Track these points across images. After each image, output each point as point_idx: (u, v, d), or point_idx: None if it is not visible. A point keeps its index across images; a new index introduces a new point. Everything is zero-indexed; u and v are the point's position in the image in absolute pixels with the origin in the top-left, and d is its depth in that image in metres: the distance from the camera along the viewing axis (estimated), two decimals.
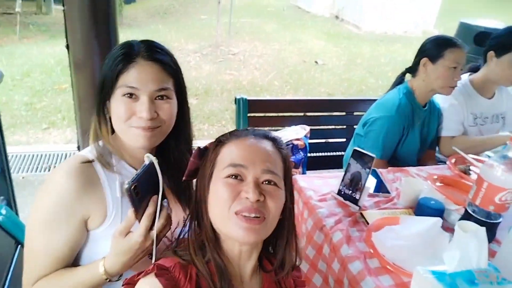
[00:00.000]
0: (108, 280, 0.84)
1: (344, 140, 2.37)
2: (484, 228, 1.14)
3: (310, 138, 2.26)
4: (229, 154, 0.78)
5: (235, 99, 2.21)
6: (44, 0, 10.27)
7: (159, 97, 0.91)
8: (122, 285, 0.74)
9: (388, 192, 1.49)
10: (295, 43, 7.49)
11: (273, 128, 2.26)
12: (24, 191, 2.55)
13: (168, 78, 0.92)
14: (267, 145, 0.80)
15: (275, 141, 0.83)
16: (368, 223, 1.29)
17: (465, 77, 2.00)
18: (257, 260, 0.82)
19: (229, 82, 5.30)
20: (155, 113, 0.90)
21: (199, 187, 0.81)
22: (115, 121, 0.91)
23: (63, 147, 3.31)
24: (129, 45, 0.91)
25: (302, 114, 2.32)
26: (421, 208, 1.34)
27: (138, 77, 0.88)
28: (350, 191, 1.39)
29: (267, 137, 0.82)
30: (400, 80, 1.92)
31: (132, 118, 0.89)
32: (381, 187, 1.52)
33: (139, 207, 0.77)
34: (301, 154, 2.17)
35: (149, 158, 0.79)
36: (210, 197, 0.78)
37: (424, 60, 1.76)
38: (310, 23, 9.48)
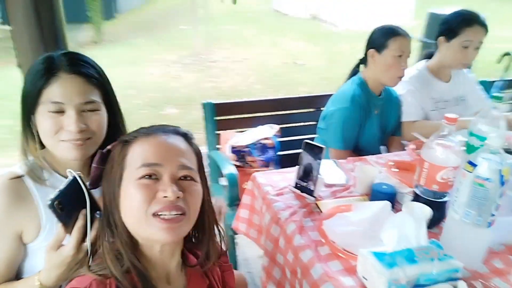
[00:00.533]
0: None
1: (316, 136, 2.40)
2: (421, 206, 1.18)
3: (282, 136, 2.30)
4: (140, 153, 0.74)
5: (202, 104, 2.24)
6: None
7: (87, 110, 0.91)
8: None
9: (345, 181, 1.53)
10: (275, 46, 7.56)
11: (242, 130, 2.29)
12: None
13: (94, 90, 0.92)
14: (179, 140, 0.79)
15: (186, 135, 0.82)
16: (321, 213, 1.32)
17: (422, 63, 2.04)
18: (180, 257, 0.82)
19: (210, 90, 5.33)
20: (84, 125, 0.89)
21: (107, 193, 0.77)
22: (44, 137, 0.90)
23: None
24: (50, 58, 0.91)
25: (270, 113, 2.35)
26: (374, 194, 1.37)
27: (62, 91, 0.87)
28: (305, 183, 1.42)
29: (177, 132, 0.81)
30: (354, 72, 1.97)
31: (61, 132, 0.88)
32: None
33: (68, 221, 0.77)
34: (271, 152, 2.20)
35: (71, 173, 0.78)
36: (122, 202, 0.74)
37: (371, 51, 1.80)
38: (289, 26, 9.56)
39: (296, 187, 1.45)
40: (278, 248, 1.30)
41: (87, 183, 0.80)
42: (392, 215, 1.24)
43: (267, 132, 2.24)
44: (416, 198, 1.27)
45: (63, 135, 0.88)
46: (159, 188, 0.72)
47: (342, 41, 8.05)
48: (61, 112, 0.88)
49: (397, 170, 1.56)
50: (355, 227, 1.20)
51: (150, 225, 0.71)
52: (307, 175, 1.42)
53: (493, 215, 1.01)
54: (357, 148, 1.91)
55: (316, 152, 1.40)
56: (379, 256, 0.99)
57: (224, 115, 2.27)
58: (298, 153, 2.46)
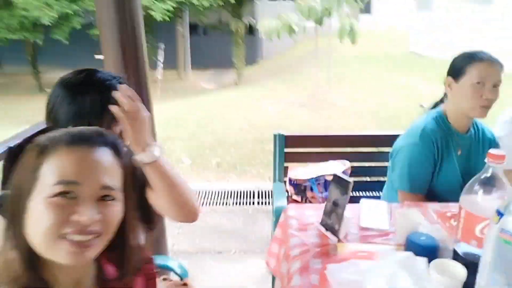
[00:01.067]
0: None
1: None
2: (455, 265, 0.92)
3: (353, 175, 2.11)
4: (58, 167, 0.64)
5: (273, 135, 2.24)
6: (184, 69, 12.28)
7: None
8: None
9: (385, 226, 1.30)
10: (403, 88, 7.12)
11: (310, 164, 2.19)
12: None
13: None
14: (105, 154, 0.68)
15: (114, 147, 0.71)
16: None
17: None
18: (95, 269, 0.75)
19: (320, 129, 5.29)
20: None
21: (12, 201, 0.66)
22: None
23: None
24: None
25: (343, 149, 2.20)
26: (409, 245, 1.13)
27: None
28: (331, 221, 1.26)
29: (105, 143, 0.70)
30: (435, 105, 1.70)
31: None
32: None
33: None
34: None
35: None
36: (29, 217, 0.64)
37: (449, 79, 1.54)
38: (424, 67, 8.90)
39: (322, 224, 1.30)
40: (284, 286, 1.17)
41: None
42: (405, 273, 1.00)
43: (336, 168, 2.09)
44: (455, 256, 1.00)
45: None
46: (75, 210, 0.63)
47: None
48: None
49: (455, 223, 1.25)
50: (359, 277, 1.00)
51: (57, 248, 0.63)
52: (333, 212, 1.26)
53: None
54: (431, 193, 1.61)
55: (343, 186, 1.24)
56: None
57: (295, 147, 2.22)
58: (367, 196, 2.23)
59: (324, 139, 2.27)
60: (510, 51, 7.80)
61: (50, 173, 0.64)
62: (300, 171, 2.07)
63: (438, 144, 1.56)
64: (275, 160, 2.21)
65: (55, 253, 0.64)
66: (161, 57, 11.01)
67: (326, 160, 2.20)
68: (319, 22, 5.62)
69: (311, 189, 2.01)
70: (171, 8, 9.48)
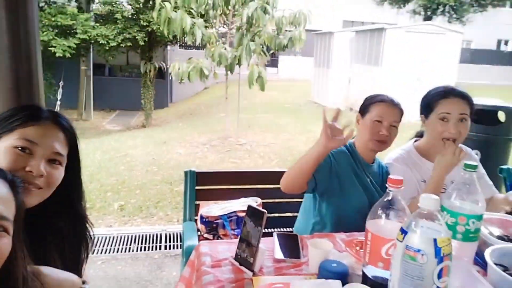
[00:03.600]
0: None
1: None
2: (336, 283, 0.95)
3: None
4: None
5: (184, 172, 2.17)
6: (84, 108, 11.52)
7: (54, 160, 0.94)
8: None
9: (298, 257, 1.30)
10: (304, 133, 7.62)
11: (221, 202, 2.15)
12: None
13: (66, 147, 0.98)
14: (2, 185, 0.75)
15: (11, 183, 0.77)
16: None
17: (410, 143, 1.87)
18: None
19: (229, 169, 5.32)
20: (45, 173, 0.91)
21: None
22: None
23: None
24: (37, 108, 0.99)
25: (254, 186, 2.22)
26: (321, 273, 1.14)
27: (41, 134, 0.92)
28: (245, 255, 1.23)
29: (3, 177, 0.77)
30: None
31: (18, 171, 0.87)
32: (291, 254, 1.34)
33: None
34: None
35: None
36: None
37: (358, 115, 1.71)
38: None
39: (235, 258, 1.25)
40: None
41: None
42: None
43: (247, 205, 2.08)
44: (364, 280, 1.03)
45: (19, 174, 0.86)
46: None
47: None
48: (29, 152, 0.89)
49: (359, 249, 1.31)
50: None
51: None
52: (247, 245, 1.23)
53: None
54: (345, 221, 1.68)
55: (257, 217, 1.23)
56: None
57: (206, 184, 2.17)
58: (279, 231, 2.26)
59: (235, 175, 2.27)
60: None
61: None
62: (212, 208, 2.02)
63: (346, 161, 1.68)
64: (186, 197, 2.13)
65: None
66: (59, 95, 10.24)
67: (238, 197, 2.19)
68: (229, 69, 5.83)
69: (223, 226, 1.96)
70: (74, 45, 8.99)
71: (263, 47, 6.19)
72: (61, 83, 10.14)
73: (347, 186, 1.67)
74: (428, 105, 1.70)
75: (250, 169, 2.34)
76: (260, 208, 1.23)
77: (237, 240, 1.41)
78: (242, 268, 1.21)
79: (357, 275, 1.14)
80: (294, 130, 7.88)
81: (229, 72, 6.09)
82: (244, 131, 7.45)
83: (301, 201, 2.21)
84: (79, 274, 1.04)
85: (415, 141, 1.87)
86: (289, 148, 6.45)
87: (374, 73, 9.69)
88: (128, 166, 5.20)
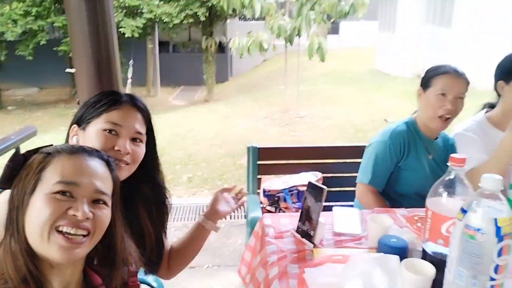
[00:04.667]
0: None
1: None
2: (422, 264, 0.97)
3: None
4: (59, 169, 0.74)
5: (247, 147, 2.27)
6: (152, 85, 12.17)
7: (136, 139, 1.04)
8: None
9: (358, 232, 1.34)
10: (367, 104, 7.38)
11: (283, 176, 2.23)
12: None
13: (144, 127, 1.07)
14: (100, 165, 0.80)
15: (108, 162, 0.83)
16: None
17: (481, 114, 1.76)
18: (81, 275, 0.79)
19: (290, 143, 5.38)
20: (131, 150, 1.02)
21: (16, 199, 0.74)
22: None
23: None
24: (117, 93, 1.08)
25: (315, 161, 2.26)
26: (380, 247, 1.17)
27: (123, 117, 1.02)
28: (306, 228, 1.29)
29: (101, 157, 0.82)
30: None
31: (110, 151, 0.98)
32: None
33: None
34: None
35: None
36: (29, 212, 0.73)
37: (419, 90, 1.64)
38: (389, 85, 9.30)
39: (297, 231, 1.33)
40: None
41: None
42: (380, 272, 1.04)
43: (308, 179, 2.14)
44: (424, 256, 1.05)
45: (110, 153, 0.96)
46: (71, 206, 0.72)
47: None
48: (115, 134, 1.01)
49: (421, 225, 1.31)
50: (337, 278, 1.03)
51: (51, 241, 0.71)
52: (308, 219, 1.30)
53: (493, 279, 0.77)
54: (403, 196, 1.69)
55: (317, 193, 1.28)
56: None
57: (267, 159, 2.26)
58: (339, 205, 2.29)
59: (296, 151, 2.33)
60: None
61: (52, 174, 0.74)
62: (274, 182, 2.11)
63: (406, 144, 1.65)
64: (249, 172, 2.24)
65: (48, 247, 0.71)
66: (130, 73, 10.88)
67: (298, 171, 2.26)
68: (289, 40, 5.77)
69: (285, 200, 2.04)
70: (141, 25, 9.44)
71: (323, 15, 6.00)
72: (131, 62, 10.74)
73: (407, 165, 1.65)
74: (509, 70, 1.58)
75: (310, 145, 2.36)
76: (320, 184, 1.28)
77: (298, 213, 1.48)
78: (303, 240, 1.29)
79: (418, 250, 1.15)
80: (356, 102, 7.66)
81: (288, 44, 6.02)
82: (304, 103, 7.40)
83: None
84: (165, 237, 1.21)
85: (486, 111, 1.77)
86: (351, 121, 6.32)
87: (446, 36, 8.93)
88: (194, 140, 5.48)
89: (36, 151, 0.80)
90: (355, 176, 2.26)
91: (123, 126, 1.02)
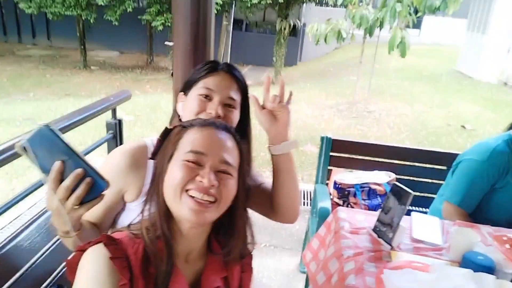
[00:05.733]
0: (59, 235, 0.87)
1: (435, 196, 2.12)
2: (491, 278, 0.93)
3: None
4: (191, 140, 0.82)
5: (320, 137, 2.27)
6: (222, 61, 12.41)
7: (228, 105, 1.07)
8: (74, 250, 0.78)
9: (438, 241, 1.30)
10: (443, 107, 6.93)
11: (354, 171, 2.20)
12: None
13: (238, 93, 1.09)
14: (227, 137, 0.85)
15: (234, 135, 0.87)
16: None
17: None
18: (205, 241, 0.86)
19: (355, 136, 5.25)
20: (222, 115, 1.05)
21: (158, 166, 0.84)
22: (185, 115, 1.09)
23: None
24: (216, 62, 1.12)
25: (388, 160, 2.20)
26: (465, 263, 1.13)
27: (217, 82, 1.06)
28: (385, 229, 1.28)
29: (228, 130, 0.86)
30: (508, 128, 1.68)
31: (201, 114, 1.04)
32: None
33: (46, 170, 0.78)
34: (379, 199, 2.04)
35: (40, 125, 0.77)
36: (166, 176, 0.82)
37: None
38: (469, 88, 8.64)
39: (374, 230, 1.32)
40: (329, 284, 1.20)
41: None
42: None
43: (381, 178, 2.10)
44: None
45: (203, 115, 1.04)
46: (199, 173, 0.79)
47: None
48: (208, 99, 1.06)
49: (510, 247, 1.24)
50: (418, 286, 1.02)
51: (182, 201, 0.78)
52: (388, 220, 1.28)
53: None
54: (485, 213, 1.60)
55: (402, 196, 1.26)
56: None
57: (340, 152, 2.24)
58: (409, 210, 2.22)
59: (370, 147, 2.27)
60: None
61: (186, 144, 0.82)
62: (346, 176, 2.09)
63: (506, 166, 1.55)
64: (320, 161, 2.24)
65: (180, 207, 0.79)
66: None
67: (370, 168, 2.22)
68: (369, 31, 5.55)
69: (355, 195, 2.02)
70: (220, 2, 9.60)
71: (410, 8, 5.67)
72: None
73: (504, 187, 1.56)
74: None
75: (386, 143, 2.29)
76: (407, 189, 1.25)
77: (374, 212, 1.47)
78: (380, 240, 1.28)
79: (505, 272, 1.10)
80: (431, 102, 7.22)
81: (367, 35, 5.80)
82: (374, 98, 7.14)
83: (438, 183, 2.12)
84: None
85: None
86: (422, 122, 5.99)
87: None
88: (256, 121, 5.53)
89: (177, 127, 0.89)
90: (431, 183, 2.18)
91: (216, 91, 1.05)
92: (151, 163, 1.01)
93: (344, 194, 2.04)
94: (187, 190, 0.78)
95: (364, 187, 2.03)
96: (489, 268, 1.09)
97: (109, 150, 2.10)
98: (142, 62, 11.79)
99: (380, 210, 1.33)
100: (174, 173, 0.80)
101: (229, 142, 0.84)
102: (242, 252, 0.89)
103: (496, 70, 9.44)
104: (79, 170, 0.77)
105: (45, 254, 1.36)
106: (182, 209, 0.78)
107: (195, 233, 0.83)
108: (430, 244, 1.30)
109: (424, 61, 11.87)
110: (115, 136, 2.10)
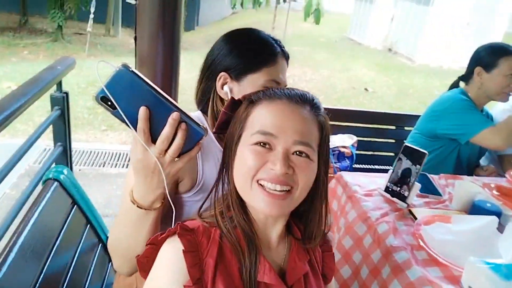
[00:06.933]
0: (142, 208, 0.73)
1: (392, 154, 2.32)
2: None
3: (357, 150, 2.24)
4: (259, 118, 0.70)
5: None
6: (112, 24, 11.23)
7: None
8: (146, 245, 0.70)
9: (440, 195, 1.43)
10: (344, 71, 7.51)
11: None
12: (79, 181, 2.71)
13: None
14: (303, 110, 0.70)
15: (313, 105, 0.72)
16: (416, 219, 1.24)
17: None
18: (284, 226, 0.77)
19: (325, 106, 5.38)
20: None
21: (226, 148, 0.75)
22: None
23: (118, 147, 3.50)
24: (274, 45, 0.97)
25: (349, 124, 2.31)
26: (476, 210, 1.27)
27: (280, 71, 0.96)
28: (398, 188, 1.35)
29: (304, 99, 0.72)
30: (452, 87, 1.91)
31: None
32: (431, 191, 1.46)
33: (133, 121, 0.64)
34: (347, 162, 2.14)
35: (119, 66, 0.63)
36: (235, 161, 0.72)
37: (478, 69, 1.74)
38: (361, 54, 9.49)
39: (386, 190, 1.38)
40: (360, 247, 1.24)
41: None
42: (497, 234, 1.14)
43: (346, 141, 2.20)
44: None
45: None
46: (270, 159, 0.67)
47: (416, 75, 7.82)
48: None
49: (498, 193, 1.44)
50: (455, 237, 1.12)
51: (253, 192, 0.68)
52: (402, 180, 1.35)
53: None
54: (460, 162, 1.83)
55: (416, 157, 1.33)
56: (495, 267, 0.90)
57: None
58: (371, 169, 2.40)
59: (334, 112, 2.34)
60: (445, 49, 8.69)
61: (253, 123, 0.71)
62: None
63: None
64: None
65: (252, 197, 0.69)
66: (92, 8, 9.93)
67: (333, 133, 2.30)
68: None
69: None
70: None
71: None
72: None
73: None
74: None
75: (345, 107, 2.40)
76: (420, 149, 1.32)
77: (374, 174, 1.54)
78: (394, 199, 1.35)
79: (508, 215, 1.27)
80: (333, 67, 7.75)
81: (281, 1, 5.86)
82: None
83: (393, 142, 2.32)
84: None
85: None
86: (332, 86, 6.43)
87: (421, 13, 9.20)
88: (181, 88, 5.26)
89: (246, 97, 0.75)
90: (389, 142, 2.37)
91: (280, 84, 0.96)
92: (205, 151, 0.91)
93: None
94: (258, 180, 0.68)
95: (334, 151, 2.10)
96: (497, 213, 1.24)
97: (57, 130, 1.76)
98: (13, 23, 10.00)
99: (390, 171, 1.39)
100: (243, 159, 0.69)
101: (305, 115, 0.70)
102: (321, 234, 0.80)
103: (382, 37, 10.54)
104: (175, 115, 0.64)
105: None
106: (254, 200, 0.69)
107: (271, 220, 0.74)
108: (433, 198, 1.42)
109: (318, 28, 12.56)
110: (63, 112, 1.76)
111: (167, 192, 0.71)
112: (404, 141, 1.95)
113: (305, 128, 0.69)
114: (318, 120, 0.72)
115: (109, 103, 0.63)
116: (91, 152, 3.32)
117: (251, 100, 0.73)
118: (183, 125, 0.65)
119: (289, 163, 0.67)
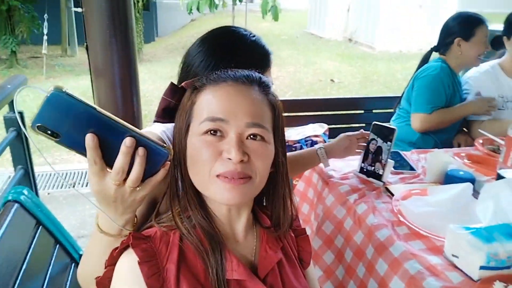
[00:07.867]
0: (111, 236, 0.68)
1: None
2: None
3: (329, 137, 2.24)
4: (206, 104, 0.65)
5: None
6: (68, 44, 10.91)
7: None
8: (105, 267, 0.65)
9: (414, 170, 1.44)
10: (309, 65, 7.60)
11: (290, 127, 2.25)
12: (49, 205, 2.59)
13: None
14: (251, 91, 0.66)
15: (261, 84, 0.68)
16: (393, 196, 1.23)
17: (495, 61, 2.00)
18: (250, 216, 0.73)
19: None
20: None
21: (176, 143, 0.69)
22: None
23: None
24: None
25: (319, 113, 2.31)
26: (450, 179, 1.28)
27: None
28: (373, 168, 1.35)
29: (251, 80, 0.67)
30: (425, 60, 1.99)
31: None
32: (405, 167, 1.47)
33: (81, 149, 0.57)
34: None
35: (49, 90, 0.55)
36: (188, 156, 0.66)
37: (458, 40, 1.86)
38: (323, 47, 9.64)
39: (361, 171, 1.38)
40: (341, 231, 1.22)
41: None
42: (473, 200, 1.15)
43: (317, 130, 2.19)
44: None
45: None
46: (224, 148, 0.63)
47: (378, 62, 8.01)
48: None
49: (469, 161, 1.46)
50: (433, 207, 1.12)
51: (213, 185, 0.64)
52: (375, 159, 1.35)
53: None
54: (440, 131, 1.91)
55: (386, 134, 1.33)
56: (475, 231, 0.90)
57: None
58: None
59: (301, 103, 2.35)
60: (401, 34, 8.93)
61: (200, 111, 0.65)
62: (290, 133, 2.12)
63: (449, 82, 1.87)
64: None
65: (212, 191, 0.64)
66: (46, 29, 9.61)
67: (304, 123, 2.29)
68: None
69: (301, 149, 2.07)
70: None
71: None
72: (45, 16, 9.46)
73: (450, 98, 1.89)
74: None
75: (314, 97, 2.40)
76: (390, 126, 1.33)
77: (347, 157, 1.53)
78: (370, 179, 1.34)
79: (481, 181, 1.29)
80: (298, 63, 7.83)
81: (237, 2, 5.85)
82: None
83: (364, 126, 2.34)
84: None
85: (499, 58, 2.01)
86: (299, 81, 6.48)
87: (375, 1, 9.44)
88: (144, 100, 5.16)
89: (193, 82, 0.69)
90: (358, 127, 2.39)
91: None
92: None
93: (292, 150, 2.06)
94: (217, 175, 0.63)
95: (307, 141, 2.09)
96: (471, 180, 1.25)
97: (16, 152, 1.66)
98: None
99: (362, 153, 1.39)
100: (195, 152, 0.64)
101: (255, 96, 0.66)
102: (289, 220, 0.76)
103: (341, 28, 10.73)
104: (128, 141, 0.56)
105: None
106: (216, 193, 0.64)
107: (235, 211, 0.70)
108: (408, 173, 1.42)
109: (278, 26, 12.67)
110: (19, 133, 1.66)
111: (130, 226, 0.67)
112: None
113: (256, 109, 0.65)
114: (268, 99, 0.68)
115: (49, 132, 0.56)
116: (59, 174, 3.18)
117: (194, 87, 0.68)
118: (140, 151, 0.58)
119: (243, 149, 0.63)
